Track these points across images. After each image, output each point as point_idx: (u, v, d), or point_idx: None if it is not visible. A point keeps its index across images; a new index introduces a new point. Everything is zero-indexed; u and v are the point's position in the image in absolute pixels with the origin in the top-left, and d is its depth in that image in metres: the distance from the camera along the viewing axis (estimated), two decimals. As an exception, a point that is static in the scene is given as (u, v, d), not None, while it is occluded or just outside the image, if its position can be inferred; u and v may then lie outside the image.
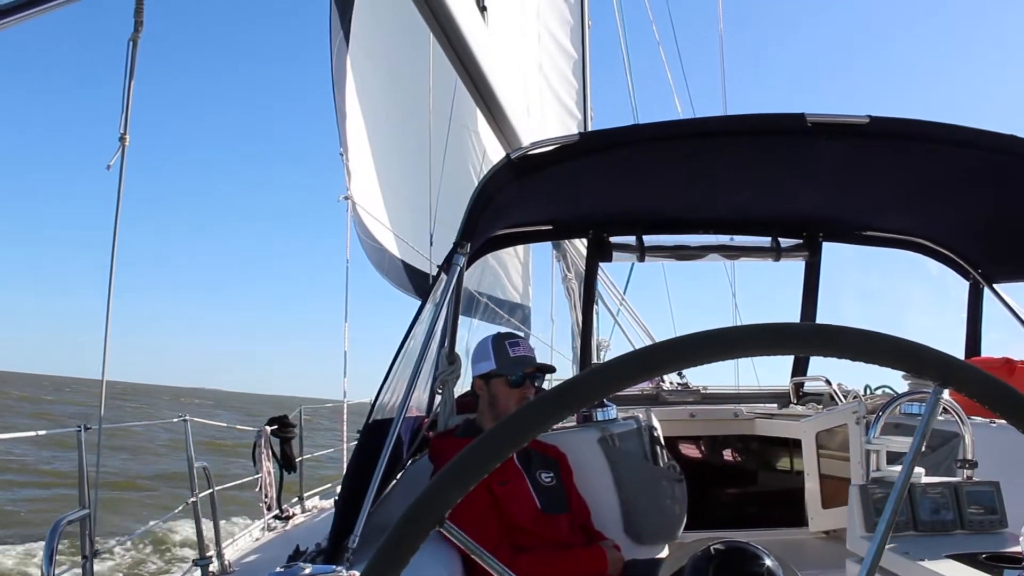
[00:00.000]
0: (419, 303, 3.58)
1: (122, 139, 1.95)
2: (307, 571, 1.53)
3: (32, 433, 3.86)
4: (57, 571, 3.01)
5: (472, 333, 8.42)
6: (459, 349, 4.28)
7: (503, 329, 3.53)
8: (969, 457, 2.95)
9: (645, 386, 6.19)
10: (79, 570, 3.49)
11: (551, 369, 3.53)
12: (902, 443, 2.92)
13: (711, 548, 1.76)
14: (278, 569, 1.52)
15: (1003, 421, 3.24)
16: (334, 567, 1.57)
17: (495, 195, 3.48)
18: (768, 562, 1.72)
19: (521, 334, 3.55)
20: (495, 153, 8.01)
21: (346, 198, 8.55)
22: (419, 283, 9.27)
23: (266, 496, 6.10)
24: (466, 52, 3.67)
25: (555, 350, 9.69)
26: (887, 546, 2.48)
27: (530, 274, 11.72)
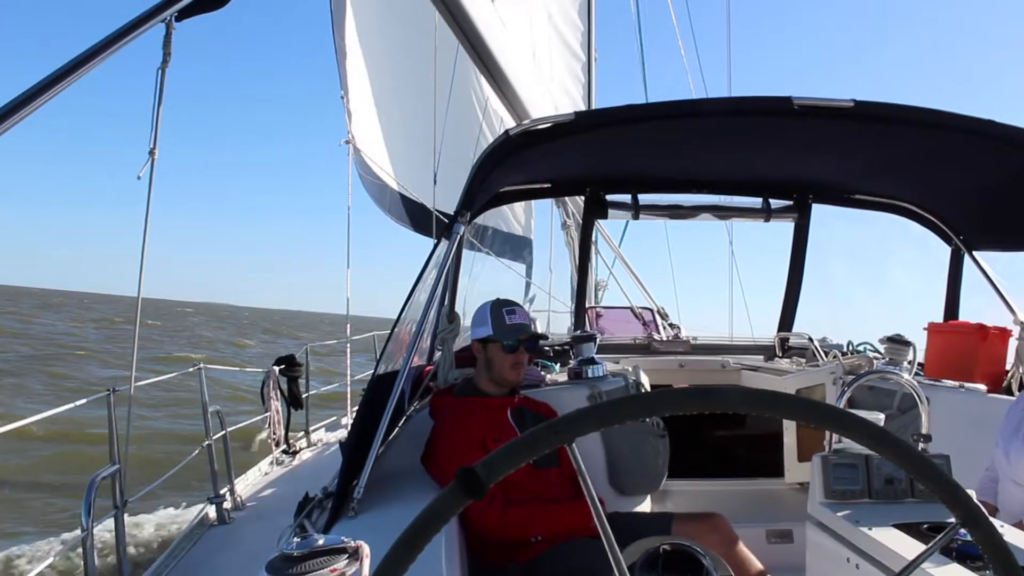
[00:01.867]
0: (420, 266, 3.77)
1: (151, 153, 2.16)
2: (320, 542, 1.73)
3: (70, 405, 4.11)
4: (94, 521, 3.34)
5: (478, 263, 8.62)
6: (461, 289, 4.54)
7: (502, 296, 3.72)
8: (924, 431, 3.17)
9: (638, 335, 6.44)
10: (111, 520, 3.79)
11: (543, 337, 3.74)
12: (868, 415, 3.14)
13: (660, 548, 2.03)
14: (295, 540, 1.74)
15: (972, 385, 3.47)
16: (342, 538, 1.77)
17: (494, 168, 3.66)
18: (706, 562, 2.00)
19: (518, 302, 3.74)
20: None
21: (346, 142, 8.58)
22: (417, 216, 9.37)
23: (275, 433, 6.39)
24: (471, 28, 3.81)
25: (554, 297, 9.87)
26: (840, 513, 2.75)
27: (532, 208, 11.86)
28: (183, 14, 1.79)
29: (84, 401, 4.27)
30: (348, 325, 7.88)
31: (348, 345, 8.20)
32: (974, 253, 5.11)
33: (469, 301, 5.19)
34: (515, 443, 0.99)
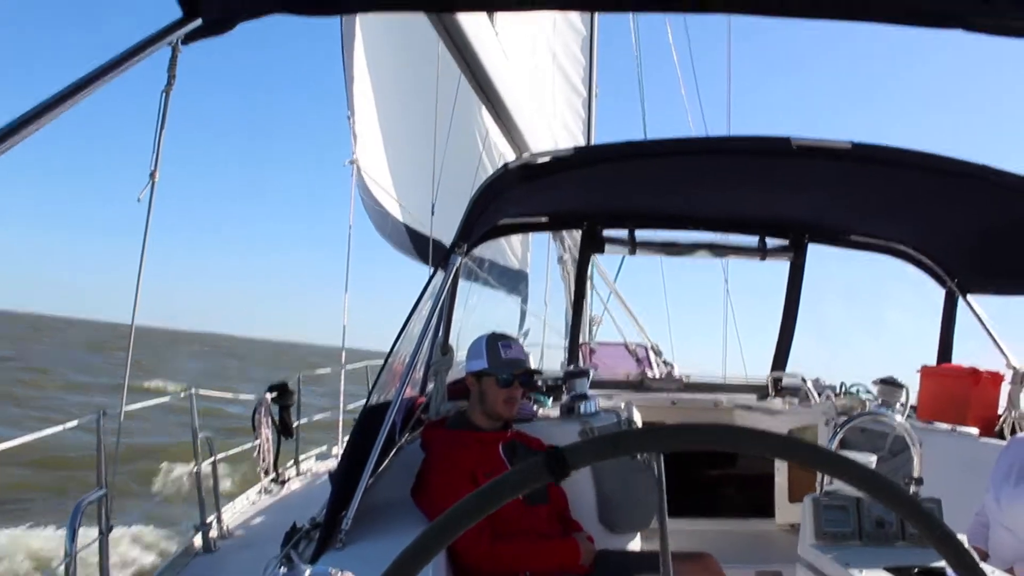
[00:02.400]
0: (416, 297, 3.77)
1: (152, 176, 2.16)
2: (307, 573, 1.72)
3: (57, 428, 4.09)
4: (78, 546, 3.31)
5: (473, 295, 8.59)
6: (456, 321, 4.52)
7: (497, 330, 3.72)
8: (916, 475, 3.17)
9: (632, 372, 6.43)
10: (96, 545, 3.76)
11: (538, 373, 3.73)
12: (859, 457, 3.14)
13: None
14: (281, 571, 1.73)
15: (964, 429, 3.48)
16: (329, 570, 1.76)
17: (492, 201, 3.68)
18: None
19: (514, 336, 3.74)
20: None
21: (351, 162, 8.59)
22: (420, 247, 9.36)
23: (263, 461, 6.35)
24: (474, 59, 3.84)
25: (550, 330, 9.86)
26: (830, 555, 2.73)
27: (529, 242, 11.88)
28: (189, 38, 1.80)
29: (75, 423, 4.25)
30: (344, 352, 7.83)
31: (343, 372, 8.15)
32: (968, 297, 5.13)
33: (463, 333, 5.18)
34: (605, 438, 0.98)
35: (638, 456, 4.24)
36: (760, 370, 6.30)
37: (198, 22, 1.76)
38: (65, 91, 1.57)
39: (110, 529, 3.82)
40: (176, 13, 1.77)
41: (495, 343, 3.58)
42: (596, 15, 10.22)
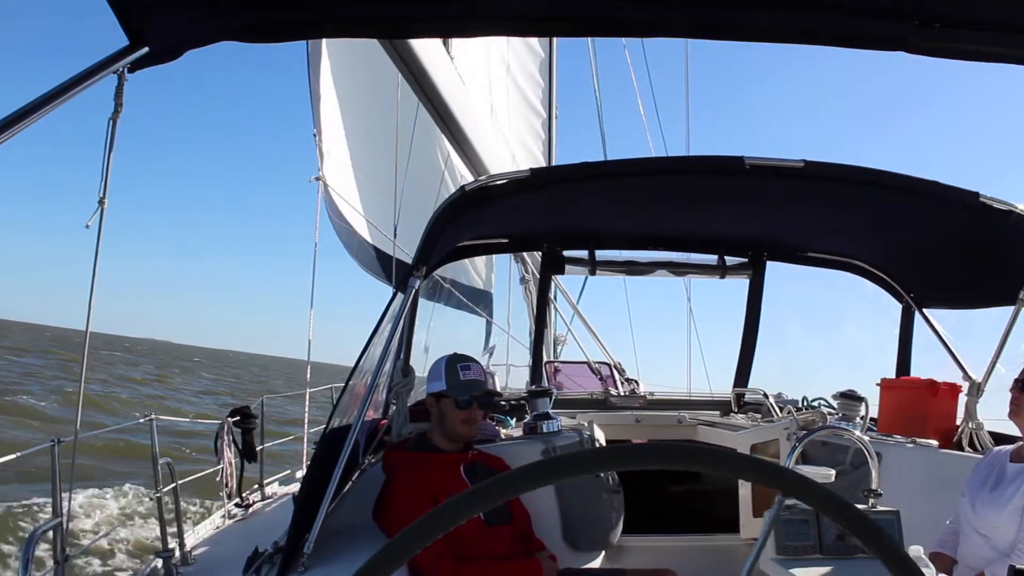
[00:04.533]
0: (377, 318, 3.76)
1: (101, 202, 2.15)
2: None
3: (9, 456, 4.03)
4: None
5: (438, 315, 8.57)
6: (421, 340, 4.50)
7: (458, 351, 3.72)
8: (874, 487, 3.20)
9: (595, 390, 6.45)
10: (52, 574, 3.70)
11: (497, 394, 3.73)
12: (817, 473, 3.17)
13: None
14: None
15: (924, 441, 3.51)
16: None
17: (449, 223, 3.69)
18: None
19: (476, 356, 3.74)
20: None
21: (317, 179, 8.54)
22: (387, 266, 9.34)
23: (226, 485, 6.27)
24: (429, 84, 3.86)
25: (514, 348, 9.88)
26: (792, 569, 2.75)
27: (492, 262, 11.91)
28: (135, 65, 1.80)
29: (30, 451, 4.18)
30: (309, 368, 7.71)
31: (307, 391, 8.05)
32: (924, 311, 5.20)
33: (430, 353, 5.17)
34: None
35: (599, 475, 4.26)
36: (724, 386, 6.35)
37: (144, 50, 1.76)
38: (11, 116, 1.56)
39: (67, 559, 3.75)
40: (123, 40, 1.77)
41: (454, 365, 3.58)
42: (554, 39, 10.32)
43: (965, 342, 5.11)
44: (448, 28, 2.91)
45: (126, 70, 1.80)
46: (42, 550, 3.54)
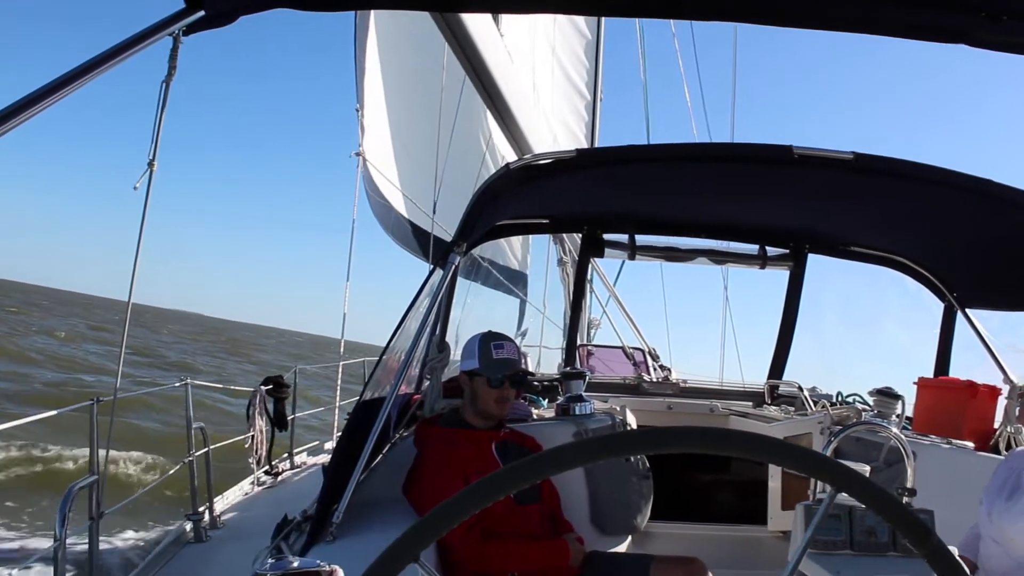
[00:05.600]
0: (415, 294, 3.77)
1: (150, 164, 2.16)
2: (295, 564, 1.72)
3: (50, 413, 4.09)
4: (68, 531, 3.32)
5: (473, 294, 8.57)
6: (455, 318, 4.51)
7: (493, 329, 3.72)
8: (909, 485, 3.16)
9: (628, 375, 6.43)
10: (86, 532, 3.76)
11: (530, 374, 3.72)
12: (853, 467, 3.13)
13: None
14: (269, 561, 1.72)
15: (960, 443, 3.46)
16: (317, 562, 1.76)
17: (492, 201, 3.67)
18: None
19: (508, 336, 3.72)
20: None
21: (357, 154, 8.56)
22: (424, 242, 9.37)
23: (256, 452, 6.35)
24: (478, 59, 3.84)
25: (548, 329, 9.86)
26: (821, 564, 2.73)
27: (529, 243, 11.91)
28: (191, 28, 1.80)
29: (69, 408, 4.25)
30: (343, 342, 7.77)
31: (340, 365, 8.11)
32: (967, 311, 5.13)
33: (461, 331, 5.17)
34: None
35: (629, 459, 4.25)
36: (757, 377, 6.31)
37: (200, 13, 1.76)
38: (66, 75, 1.57)
39: (101, 515, 3.82)
40: (178, 3, 1.77)
41: (488, 343, 3.57)
42: (602, 20, 10.23)
43: (1007, 344, 5.05)
44: (500, 3, 2.89)
45: (181, 33, 1.80)
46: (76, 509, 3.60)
